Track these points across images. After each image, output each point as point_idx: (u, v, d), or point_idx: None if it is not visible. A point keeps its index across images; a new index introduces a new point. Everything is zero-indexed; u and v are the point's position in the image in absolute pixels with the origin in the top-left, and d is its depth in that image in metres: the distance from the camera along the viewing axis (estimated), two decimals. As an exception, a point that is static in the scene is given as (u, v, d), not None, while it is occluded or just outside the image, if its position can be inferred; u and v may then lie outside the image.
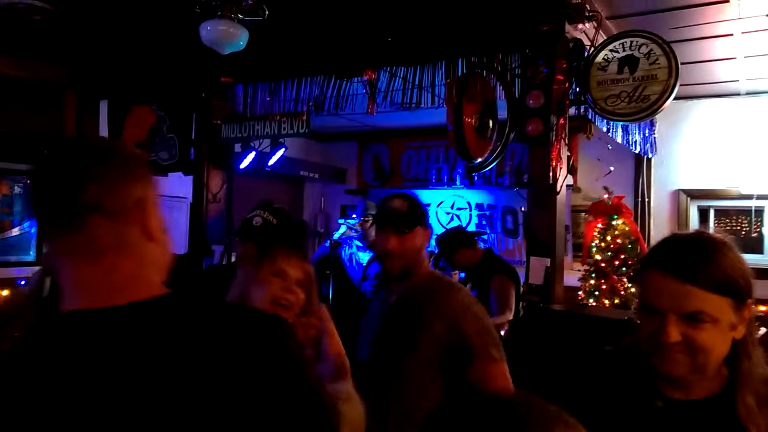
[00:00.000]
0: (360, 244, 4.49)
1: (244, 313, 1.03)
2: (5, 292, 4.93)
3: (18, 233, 5.09)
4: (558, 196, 3.40)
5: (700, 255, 1.10)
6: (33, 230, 5.13)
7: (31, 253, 5.15)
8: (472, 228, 6.37)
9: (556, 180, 3.32)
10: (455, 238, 4.01)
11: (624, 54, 3.11)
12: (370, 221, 4.56)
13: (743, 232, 5.58)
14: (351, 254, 4.48)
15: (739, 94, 5.27)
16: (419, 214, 1.96)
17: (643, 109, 3.09)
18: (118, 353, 0.83)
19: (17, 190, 5.07)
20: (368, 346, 1.96)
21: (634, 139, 4.73)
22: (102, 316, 0.85)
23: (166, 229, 0.98)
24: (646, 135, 5.00)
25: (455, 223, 6.48)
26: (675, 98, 3.14)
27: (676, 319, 1.07)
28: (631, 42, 3.10)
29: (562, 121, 3.26)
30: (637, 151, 5.00)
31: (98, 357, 0.82)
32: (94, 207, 0.87)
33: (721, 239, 1.17)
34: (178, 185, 5.58)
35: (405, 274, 1.93)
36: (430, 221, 2.07)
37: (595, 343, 2.86)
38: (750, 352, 1.14)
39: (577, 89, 3.39)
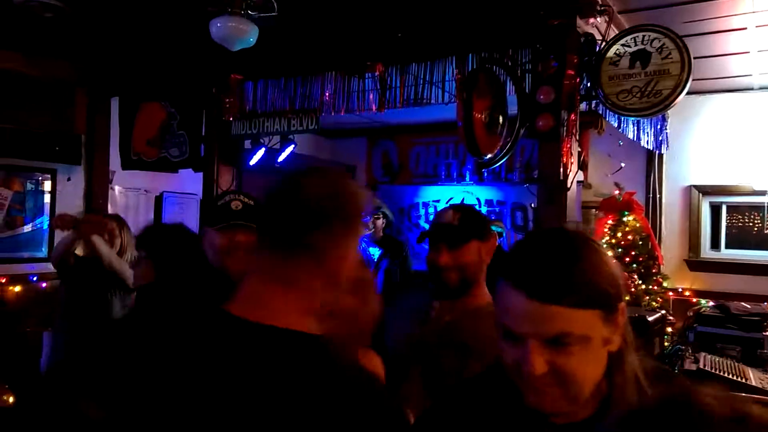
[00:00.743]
0: (368, 239, 4.51)
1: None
2: (18, 288, 4.99)
3: (30, 230, 5.13)
4: (568, 193, 3.38)
5: (559, 265, 0.91)
6: (45, 227, 5.17)
7: (43, 249, 5.20)
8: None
9: (566, 176, 3.30)
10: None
11: (636, 48, 3.09)
12: (380, 217, 4.58)
13: (755, 229, 5.53)
14: (361, 250, 4.50)
15: (752, 89, 5.22)
16: (474, 226, 1.87)
17: (655, 104, 3.07)
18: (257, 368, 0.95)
19: (29, 186, 5.11)
20: (407, 348, 1.88)
21: (646, 135, 4.70)
22: (260, 331, 0.98)
23: (360, 273, 1.15)
24: (658, 130, 4.96)
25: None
26: (687, 93, 3.11)
27: (539, 345, 0.90)
28: (643, 36, 3.07)
29: (573, 116, 3.24)
30: (648, 147, 4.96)
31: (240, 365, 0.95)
32: (310, 249, 1.02)
33: (583, 238, 0.98)
34: (188, 182, 5.61)
35: (463, 289, 1.85)
36: (491, 232, 1.96)
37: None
38: (624, 367, 0.99)
39: (588, 84, 3.37)
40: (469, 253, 1.84)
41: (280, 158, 5.15)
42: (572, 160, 3.30)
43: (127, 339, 1.05)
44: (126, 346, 1.03)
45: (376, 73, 4.05)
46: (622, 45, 3.14)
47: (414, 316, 1.99)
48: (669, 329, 4.95)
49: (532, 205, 5.70)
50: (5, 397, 3.63)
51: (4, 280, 4.90)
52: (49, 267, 5.02)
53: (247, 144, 5.25)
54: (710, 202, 5.65)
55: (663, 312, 3.47)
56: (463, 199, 6.62)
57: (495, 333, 1.75)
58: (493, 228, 3.99)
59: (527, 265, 0.92)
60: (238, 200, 2.19)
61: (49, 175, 5.18)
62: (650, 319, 2.79)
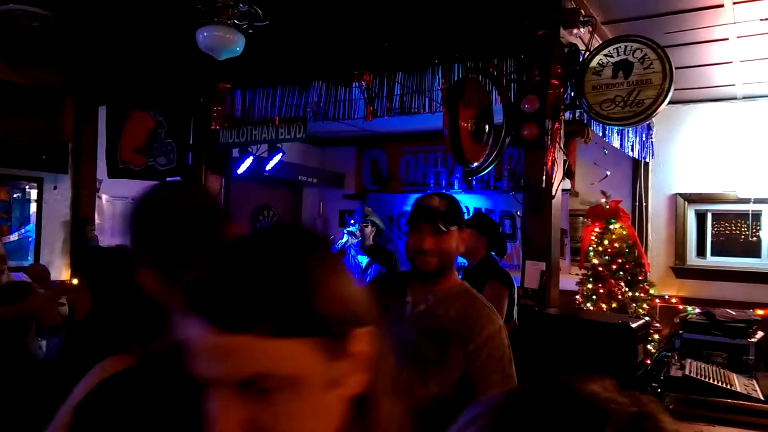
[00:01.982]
0: (357, 248, 4.51)
1: None
2: (3, 298, 4.96)
3: (16, 239, 5.10)
4: (554, 201, 3.41)
5: (251, 278, 0.61)
6: (31, 236, 5.14)
7: (29, 258, 5.16)
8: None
9: (551, 184, 3.33)
10: (489, 225, 3.86)
11: (618, 59, 3.13)
12: (369, 226, 4.59)
13: (741, 237, 5.58)
14: (349, 257, 4.51)
15: (735, 98, 5.29)
16: (457, 214, 1.92)
17: (638, 113, 3.11)
18: None
19: (16, 195, 5.09)
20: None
21: (631, 144, 4.75)
22: None
23: None
24: (644, 139, 5.02)
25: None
26: (672, 102, 3.16)
27: (231, 394, 0.61)
28: (626, 47, 3.12)
29: (557, 125, 3.27)
30: (634, 156, 5.02)
31: None
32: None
33: (305, 240, 0.67)
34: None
35: (439, 274, 1.89)
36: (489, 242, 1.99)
37: (590, 347, 2.87)
38: (374, 417, 0.70)
39: (573, 93, 3.41)
40: (451, 239, 1.88)
41: (268, 167, 5.16)
42: (557, 169, 3.33)
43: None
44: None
45: (363, 83, 4.08)
46: (605, 55, 3.18)
47: (388, 315, 2.02)
48: (656, 336, 4.99)
49: (519, 213, 5.74)
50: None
51: (-11, 290, 4.85)
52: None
53: (236, 152, 5.25)
54: (696, 210, 5.71)
55: (647, 319, 3.50)
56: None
57: (468, 314, 1.78)
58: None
59: (210, 281, 0.62)
60: None
61: (35, 184, 5.16)
62: (634, 325, 2.81)
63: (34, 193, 5.18)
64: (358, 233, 4.45)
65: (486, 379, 1.76)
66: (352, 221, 4.57)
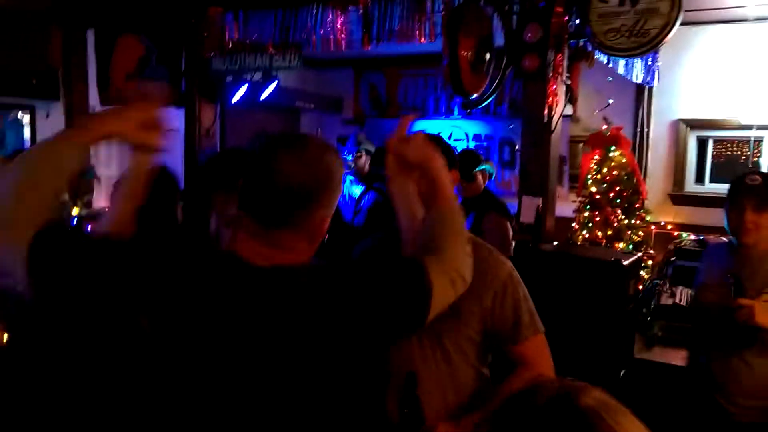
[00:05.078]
0: (353, 178, 4.48)
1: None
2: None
3: (12, 167, 5.07)
4: (553, 134, 3.36)
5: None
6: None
7: (26, 186, 5.16)
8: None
9: (551, 118, 3.27)
10: (474, 161, 3.82)
11: (626, -14, 2.98)
12: (363, 155, 4.54)
13: (741, 163, 5.55)
14: (344, 189, 4.49)
15: (746, 20, 5.08)
16: (441, 152, 1.76)
17: (643, 44, 3.00)
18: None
19: (8, 123, 5.02)
20: None
21: (636, 70, 4.61)
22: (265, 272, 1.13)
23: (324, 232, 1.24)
24: (649, 64, 4.87)
25: (452, 154, 6.43)
26: (680, 24, 3.02)
27: None
28: (634, -27, 2.96)
29: (560, 56, 3.17)
30: (638, 82, 4.89)
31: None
32: (290, 223, 1.16)
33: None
34: (171, 117, 5.51)
35: None
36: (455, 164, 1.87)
37: (583, 283, 2.92)
38: None
39: (578, 21, 3.27)
40: None
41: (263, 96, 5.04)
42: (557, 102, 3.26)
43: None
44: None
45: (360, 6, 3.91)
46: (613, -19, 3.03)
47: (378, 238, 1.98)
48: (649, 262, 5.07)
49: (518, 145, 5.67)
50: None
51: (-12, 219, 4.88)
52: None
53: (230, 79, 5.12)
54: (697, 136, 5.64)
55: (639, 255, 3.54)
56: (451, 134, 6.57)
57: (478, 258, 1.69)
58: (484, 167, 3.93)
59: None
60: None
61: (27, 111, 5.08)
62: (626, 263, 2.85)
63: (27, 121, 5.10)
64: (351, 164, 4.40)
65: (519, 323, 1.69)
66: (345, 151, 4.51)
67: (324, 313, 1.11)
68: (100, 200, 5.36)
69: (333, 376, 1.13)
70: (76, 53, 5.04)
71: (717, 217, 5.23)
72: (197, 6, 4.45)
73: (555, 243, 3.67)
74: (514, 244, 3.59)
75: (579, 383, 0.69)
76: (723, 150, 5.69)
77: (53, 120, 5.18)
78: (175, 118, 5.21)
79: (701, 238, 4.78)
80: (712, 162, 5.68)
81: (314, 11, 4.11)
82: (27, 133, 5.10)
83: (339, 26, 4.05)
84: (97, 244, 1.16)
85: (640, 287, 3.94)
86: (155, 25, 4.74)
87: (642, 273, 4.58)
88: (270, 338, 1.08)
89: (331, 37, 4.14)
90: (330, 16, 4.05)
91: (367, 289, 1.16)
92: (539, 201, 3.34)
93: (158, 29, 4.75)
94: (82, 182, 5.24)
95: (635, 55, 3.25)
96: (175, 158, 5.55)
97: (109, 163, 5.50)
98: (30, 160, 1.20)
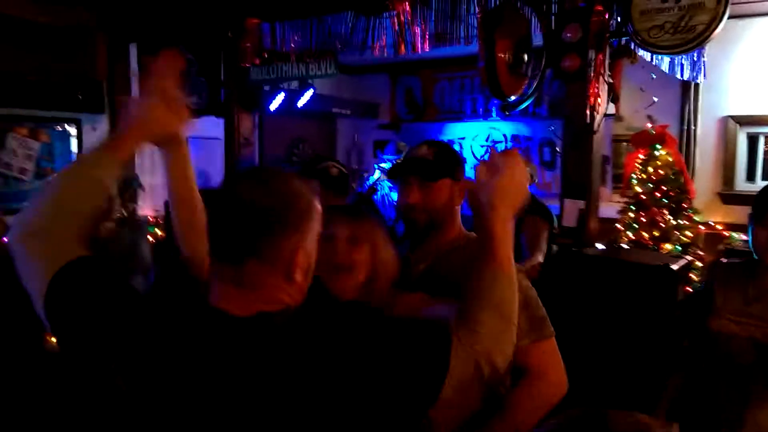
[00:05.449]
0: (391, 184, 4.47)
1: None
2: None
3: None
4: (595, 135, 3.27)
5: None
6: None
7: (74, 197, 5.31)
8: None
9: (593, 119, 3.19)
10: None
11: (670, -20, 2.88)
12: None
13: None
14: (383, 195, 4.48)
15: (798, 11, 4.88)
16: (449, 163, 1.74)
17: (689, 40, 2.89)
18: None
19: (56, 137, 5.17)
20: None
21: (681, 66, 4.46)
22: (237, 322, 1.03)
23: (309, 269, 1.11)
24: (695, 60, 4.70)
25: (491, 156, 6.36)
26: (728, 17, 2.90)
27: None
28: (678, -33, 2.86)
29: (601, 56, 3.08)
30: (684, 78, 4.73)
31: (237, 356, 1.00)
32: (255, 253, 1.03)
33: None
34: (211, 126, 5.59)
35: (429, 230, 1.73)
36: (466, 173, 1.77)
37: (630, 289, 2.82)
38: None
39: (618, 19, 3.18)
40: (440, 192, 1.72)
41: (300, 103, 5.08)
42: (600, 103, 3.17)
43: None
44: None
45: (395, 12, 3.89)
46: (655, -23, 2.93)
47: (403, 281, 1.94)
48: (698, 264, 4.89)
49: (558, 146, 5.55)
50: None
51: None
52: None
53: (268, 88, 5.18)
54: (747, 133, 5.42)
55: (689, 258, 3.41)
56: (489, 136, 6.49)
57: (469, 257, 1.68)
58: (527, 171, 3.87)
59: None
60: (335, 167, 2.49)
61: (74, 125, 5.23)
62: (675, 267, 2.74)
63: (74, 135, 5.26)
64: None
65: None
66: (384, 158, 4.50)
67: (301, 372, 0.97)
68: (145, 208, 5.49)
69: None
70: (119, 67, 5.18)
71: (770, 216, 5.11)
72: (235, 18, 4.52)
73: (601, 246, 3.57)
74: (555, 248, 3.50)
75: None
76: (776, 146, 5.45)
77: (99, 132, 5.32)
78: (216, 127, 5.31)
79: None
80: (764, 159, 5.45)
81: (348, 18, 4.12)
82: (74, 145, 5.25)
83: (373, 33, 4.05)
84: (109, 294, 1.09)
85: (689, 290, 3.81)
86: (195, 37, 4.83)
87: (691, 275, 4.42)
88: (245, 398, 0.97)
89: (367, 43, 4.14)
90: (364, 22, 4.05)
91: (368, 352, 1.01)
92: (582, 204, 3.25)
93: (198, 42, 4.84)
94: (127, 191, 5.38)
95: (681, 52, 3.14)
96: (215, 167, 5.66)
97: (153, 171, 5.63)
98: (63, 180, 1.21)
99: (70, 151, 5.23)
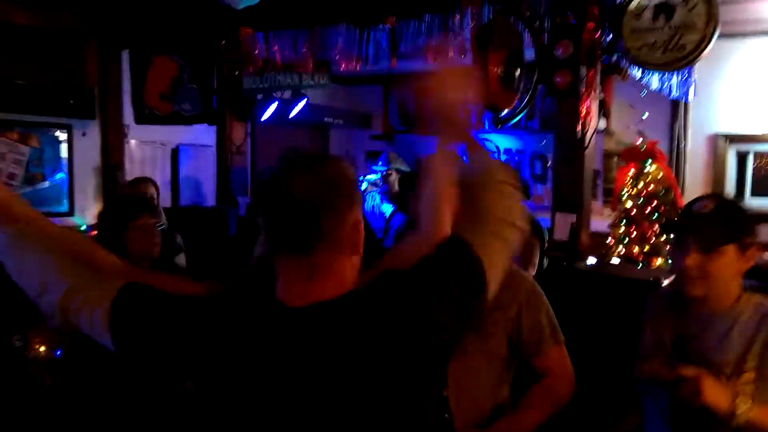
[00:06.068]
0: (382, 195, 4.46)
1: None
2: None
3: (49, 185, 5.19)
4: (586, 150, 3.29)
5: None
6: (64, 183, 5.23)
7: (64, 203, 5.27)
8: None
9: (584, 134, 3.20)
10: None
11: (660, 0, 2.91)
12: (393, 173, 4.52)
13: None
14: (373, 206, 4.47)
15: (785, 32, 4.94)
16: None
17: (679, 58, 2.93)
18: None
19: (46, 142, 5.14)
20: None
21: (671, 84, 4.49)
22: (310, 311, 1.05)
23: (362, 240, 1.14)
24: (685, 78, 4.75)
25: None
26: (717, 37, 2.94)
27: None
28: (669, -13, 2.89)
29: (592, 72, 3.10)
30: (673, 96, 4.77)
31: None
32: (322, 238, 1.05)
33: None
34: (203, 133, 5.59)
35: None
36: None
37: (620, 303, 2.83)
38: None
39: (610, 37, 3.21)
40: None
41: (292, 113, 5.07)
42: (591, 118, 3.19)
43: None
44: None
45: (388, 25, 3.91)
46: (646, -4, 2.96)
47: None
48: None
49: (549, 159, 5.58)
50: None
51: (27, 236, 4.99)
52: (70, 221, 5.13)
53: (261, 97, 5.18)
54: (737, 150, 5.47)
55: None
56: (480, 148, 6.50)
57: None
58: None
59: None
60: None
61: (65, 131, 5.20)
62: (665, 282, 2.75)
63: (64, 140, 5.22)
64: (380, 182, 4.39)
65: (542, 335, 1.71)
66: (374, 169, 4.50)
67: (371, 346, 1.02)
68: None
69: (397, 404, 1.04)
70: (111, 73, 5.16)
71: (760, 232, 5.15)
72: (228, 27, 4.52)
73: (592, 261, 3.58)
74: (546, 263, 3.50)
75: None
76: (764, 164, 5.50)
77: (89, 138, 5.30)
78: (208, 135, 5.30)
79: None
80: (754, 176, 5.50)
81: (342, 30, 4.13)
82: (64, 151, 5.22)
83: (366, 44, 4.06)
84: (170, 305, 1.12)
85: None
86: (188, 45, 4.83)
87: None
88: (315, 385, 1.00)
89: (360, 55, 4.15)
90: (357, 34, 4.06)
91: (415, 301, 1.06)
92: (573, 218, 3.26)
93: (191, 50, 4.84)
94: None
95: (671, 70, 3.17)
96: (207, 174, 5.64)
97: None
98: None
99: (59, 157, 5.20)
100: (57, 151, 5.20)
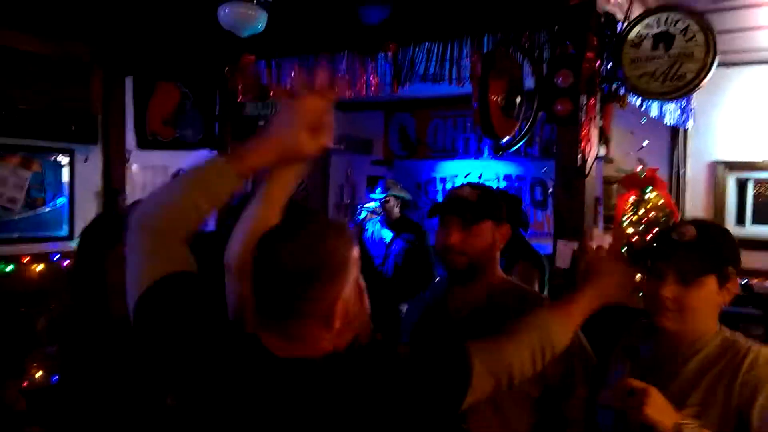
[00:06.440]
0: (381, 223, 4.46)
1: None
2: (40, 267, 5.08)
3: (50, 209, 5.19)
4: (587, 179, 3.30)
5: None
6: (65, 207, 5.23)
7: (63, 227, 5.27)
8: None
9: (585, 162, 3.21)
10: (518, 204, 3.76)
11: (659, 30, 2.95)
12: (391, 200, 4.53)
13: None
14: (373, 232, 4.47)
15: (782, 60, 5.00)
16: (491, 206, 1.73)
17: (679, 87, 2.95)
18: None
19: (48, 167, 5.15)
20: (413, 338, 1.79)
21: (670, 112, 4.54)
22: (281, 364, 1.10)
23: (350, 315, 1.15)
24: (683, 106, 4.80)
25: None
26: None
27: None
28: (667, 18, 2.93)
29: (592, 101, 3.13)
30: (673, 124, 4.81)
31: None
32: (295, 313, 1.09)
33: None
34: (204, 158, 5.61)
35: (471, 274, 1.72)
36: (508, 219, 1.78)
37: (617, 330, 2.80)
38: None
39: (610, 66, 3.24)
40: (482, 234, 1.72)
41: (294, 139, 5.08)
42: (591, 146, 3.21)
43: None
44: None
45: (390, 53, 3.96)
46: (645, 26, 3.00)
47: (424, 304, 1.91)
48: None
49: (550, 184, 5.60)
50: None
51: (26, 260, 4.99)
52: (70, 246, 5.11)
53: (263, 123, 5.21)
54: (737, 178, 5.49)
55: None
56: (481, 174, 6.53)
57: (521, 311, 1.60)
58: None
59: None
60: None
61: (67, 155, 5.21)
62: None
63: (66, 165, 5.24)
64: (379, 209, 4.39)
65: (573, 380, 1.66)
66: (372, 197, 4.51)
67: (340, 411, 1.05)
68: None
69: None
70: (114, 99, 5.21)
71: (760, 259, 5.15)
72: (231, 54, 4.57)
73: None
74: (547, 291, 3.50)
75: None
76: (765, 190, 5.51)
77: (91, 163, 5.31)
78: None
79: (745, 281, 4.61)
80: (754, 203, 5.51)
81: (344, 57, 4.18)
82: (66, 175, 5.23)
83: (369, 72, 4.10)
84: (182, 316, 1.16)
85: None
86: (191, 72, 4.88)
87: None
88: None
89: (362, 81, 4.19)
90: (359, 62, 4.11)
91: (394, 384, 1.10)
92: (575, 245, 3.26)
93: (194, 76, 4.89)
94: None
95: (670, 99, 3.20)
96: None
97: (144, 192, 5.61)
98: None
99: (61, 181, 5.21)
100: (58, 175, 5.21)
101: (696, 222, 1.61)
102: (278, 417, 1.04)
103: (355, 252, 1.16)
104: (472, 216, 1.70)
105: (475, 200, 1.72)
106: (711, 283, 1.50)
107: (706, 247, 1.50)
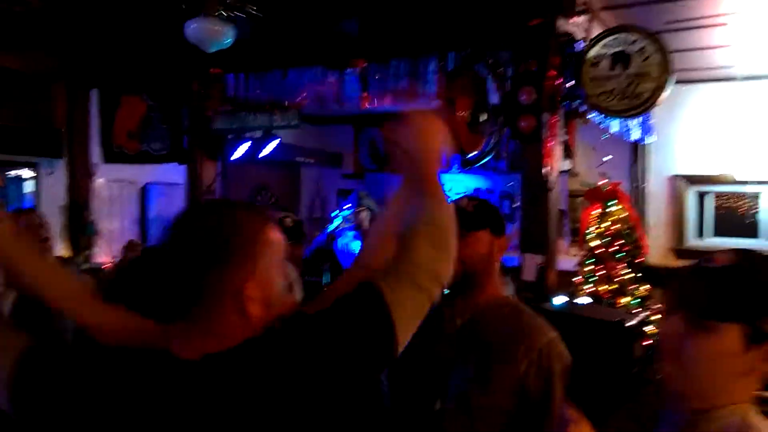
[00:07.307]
0: (353, 233, 4.49)
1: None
2: None
3: (14, 224, 5.08)
4: (552, 191, 3.38)
5: None
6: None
7: (27, 243, 5.15)
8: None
9: (548, 176, 3.29)
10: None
11: (616, 50, 3.06)
12: (363, 210, 4.56)
13: (741, 218, 5.57)
14: (345, 244, 4.49)
15: (735, 79, 5.19)
16: (489, 217, 1.70)
17: (636, 105, 3.05)
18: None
19: (12, 181, 5.06)
20: (421, 373, 1.72)
21: (630, 127, 4.67)
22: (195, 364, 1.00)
23: (268, 299, 1.05)
24: (642, 122, 4.94)
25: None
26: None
27: None
28: (624, 38, 3.04)
29: (555, 118, 3.22)
30: (633, 140, 4.95)
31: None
32: (199, 297, 1.00)
33: None
34: (173, 172, 5.56)
35: (467, 285, 1.67)
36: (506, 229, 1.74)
37: (586, 343, 2.86)
38: None
39: (571, 83, 3.34)
40: (478, 243, 1.67)
41: (263, 153, 5.09)
42: (554, 161, 3.29)
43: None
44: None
45: (358, 69, 4.00)
46: (604, 46, 3.11)
47: (426, 334, 1.88)
48: (658, 316, 4.99)
49: (515, 202, 5.70)
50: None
51: (-12, 276, 4.86)
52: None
53: (232, 136, 5.20)
54: (696, 191, 5.67)
55: (645, 313, 3.50)
56: (450, 188, 6.60)
57: (513, 326, 1.55)
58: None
59: None
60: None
61: (31, 169, 5.13)
62: (628, 324, 2.80)
63: (30, 179, 5.15)
64: (351, 217, 4.43)
65: (550, 398, 1.56)
66: (347, 205, 4.55)
67: (267, 395, 0.98)
68: (101, 255, 5.36)
69: None
70: (79, 112, 5.14)
71: None
72: (199, 67, 4.56)
73: (560, 300, 3.62)
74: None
75: None
76: (723, 203, 5.70)
77: (56, 177, 5.23)
78: (177, 173, 5.27)
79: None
80: (713, 216, 5.69)
81: (312, 73, 4.21)
82: (30, 188, 5.14)
83: (337, 87, 4.14)
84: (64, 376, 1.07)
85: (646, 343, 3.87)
86: (158, 85, 4.84)
87: (651, 327, 4.51)
88: None
89: (330, 96, 4.23)
90: (328, 77, 4.14)
91: (314, 351, 1.01)
92: (540, 259, 3.32)
93: (160, 89, 4.85)
94: (83, 238, 5.26)
95: (628, 116, 3.30)
96: (178, 209, 5.59)
97: (111, 216, 5.54)
98: None
99: (23, 195, 5.12)
100: (20, 188, 5.12)
101: (736, 252, 1.07)
102: (192, 422, 0.96)
103: (274, 235, 1.06)
104: (468, 224, 1.65)
105: (472, 210, 1.69)
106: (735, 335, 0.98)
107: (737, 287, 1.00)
